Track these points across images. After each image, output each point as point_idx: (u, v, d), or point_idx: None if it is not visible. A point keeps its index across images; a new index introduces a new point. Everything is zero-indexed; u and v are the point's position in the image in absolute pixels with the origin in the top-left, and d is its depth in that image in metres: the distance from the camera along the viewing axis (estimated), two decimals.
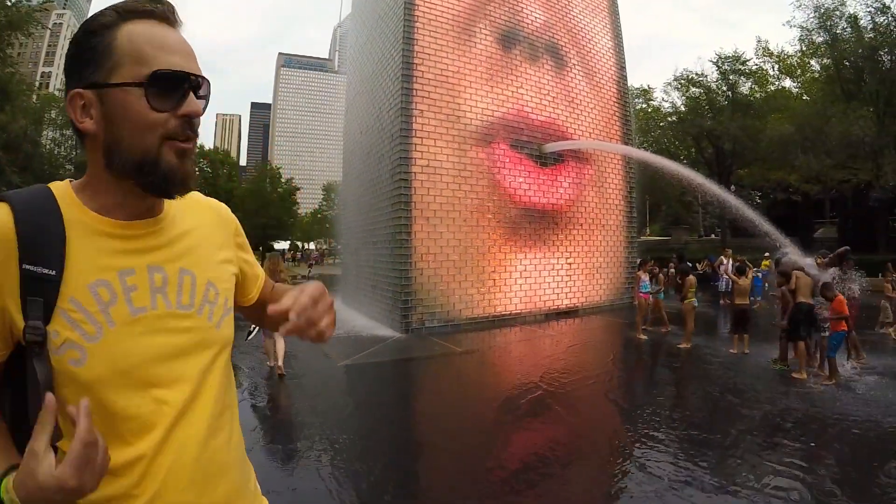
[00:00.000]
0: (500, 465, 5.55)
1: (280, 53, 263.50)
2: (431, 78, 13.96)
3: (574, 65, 17.03)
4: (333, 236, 58.27)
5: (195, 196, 1.42)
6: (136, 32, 1.13)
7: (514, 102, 15.21)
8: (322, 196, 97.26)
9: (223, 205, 1.51)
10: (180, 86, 1.15)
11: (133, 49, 1.12)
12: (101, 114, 1.13)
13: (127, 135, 1.12)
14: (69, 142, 32.34)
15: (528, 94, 15.56)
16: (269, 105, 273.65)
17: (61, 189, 1.20)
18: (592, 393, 7.98)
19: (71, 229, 1.14)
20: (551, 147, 15.52)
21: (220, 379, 1.30)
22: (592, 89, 17.53)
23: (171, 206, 1.30)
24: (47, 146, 31.44)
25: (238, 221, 1.54)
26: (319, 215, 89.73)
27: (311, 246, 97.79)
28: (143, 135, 1.12)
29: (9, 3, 15.99)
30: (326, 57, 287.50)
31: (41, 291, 1.09)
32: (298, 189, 72.52)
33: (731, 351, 10.28)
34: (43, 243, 1.10)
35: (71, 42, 1.17)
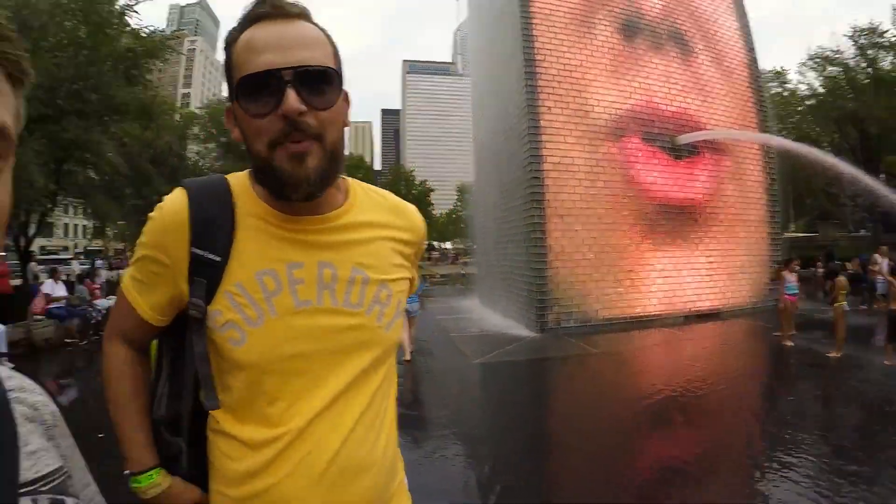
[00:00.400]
0: (632, 470, 5.41)
1: (404, 61, 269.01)
2: (555, 73, 13.71)
3: (700, 50, 16.15)
4: (468, 236, 59.08)
5: (386, 195, 1.43)
6: (246, 39, 1.13)
7: (643, 94, 14.61)
8: (455, 197, 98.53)
9: (415, 210, 1.48)
10: (272, 85, 1.09)
11: (237, 59, 1.13)
12: (238, 125, 1.17)
13: (248, 143, 1.15)
14: (212, 154, 34.75)
15: (656, 84, 14.90)
16: (399, 111, 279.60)
17: (239, 179, 1.28)
18: (731, 404, 7.48)
19: (242, 218, 1.22)
20: (685, 139, 14.80)
21: (379, 380, 1.31)
22: (722, 75, 16.56)
23: (355, 202, 1.32)
24: (191, 158, 34.13)
25: (426, 229, 1.51)
26: (454, 216, 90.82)
27: (448, 246, 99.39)
28: (255, 143, 1.13)
29: (143, 35, 17.42)
30: (449, 60, 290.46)
31: (206, 274, 1.19)
32: (432, 191, 74.05)
33: (886, 363, 9.11)
34: (212, 230, 1.20)
35: None
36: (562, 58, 13.87)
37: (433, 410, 7.49)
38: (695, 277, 15.01)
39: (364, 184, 1.41)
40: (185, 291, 1.22)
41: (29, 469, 0.72)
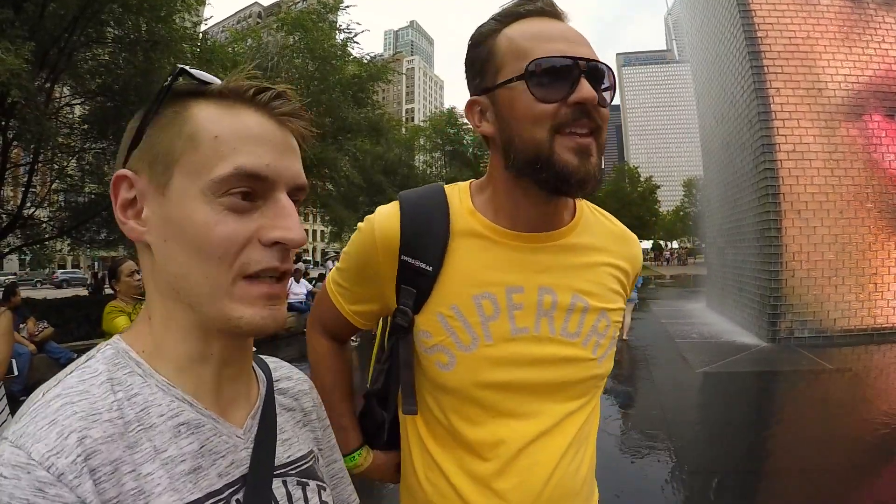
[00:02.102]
0: None
1: (618, 54, 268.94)
2: (780, 50, 12.32)
3: None
4: (696, 234, 56.90)
5: (615, 221, 1.40)
6: (515, 32, 1.13)
7: (880, 61, 12.35)
8: (683, 192, 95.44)
9: (637, 240, 1.43)
10: (567, 72, 1.06)
11: (512, 47, 1.12)
12: (494, 115, 1.16)
13: (517, 131, 1.11)
14: (438, 163, 36.88)
15: (894, 48, 12.50)
16: (618, 106, 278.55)
17: (458, 191, 1.28)
18: None
19: (458, 234, 1.20)
20: None
21: (587, 414, 1.28)
22: None
23: (580, 221, 1.27)
24: (420, 168, 36.70)
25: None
26: (681, 213, 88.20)
27: (675, 245, 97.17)
28: (532, 129, 1.08)
29: (365, 62, 19.25)
30: (665, 48, 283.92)
31: (415, 283, 1.19)
32: (658, 187, 72.11)
33: None
34: (424, 240, 1.18)
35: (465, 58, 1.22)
36: (785, 31, 12.38)
37: (646, 417, 7.28)
38: None
39: (593, 205, 1.37)
40: (392, 301, 1.23)
41: (282, 454, 0.87)
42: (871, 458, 5.70)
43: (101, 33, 10.93)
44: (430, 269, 1.17)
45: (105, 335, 4.60)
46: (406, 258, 1.18)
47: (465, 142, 36.93)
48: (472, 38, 1.20)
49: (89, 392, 0.71)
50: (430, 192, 1.27)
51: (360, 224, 1.28)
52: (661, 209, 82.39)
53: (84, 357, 0.77)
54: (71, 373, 0.74)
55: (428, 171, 37.17)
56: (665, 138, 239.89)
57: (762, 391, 9.04)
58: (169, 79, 0.76)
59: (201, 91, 0.77)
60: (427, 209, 1.22)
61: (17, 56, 7.47)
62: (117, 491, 0.66)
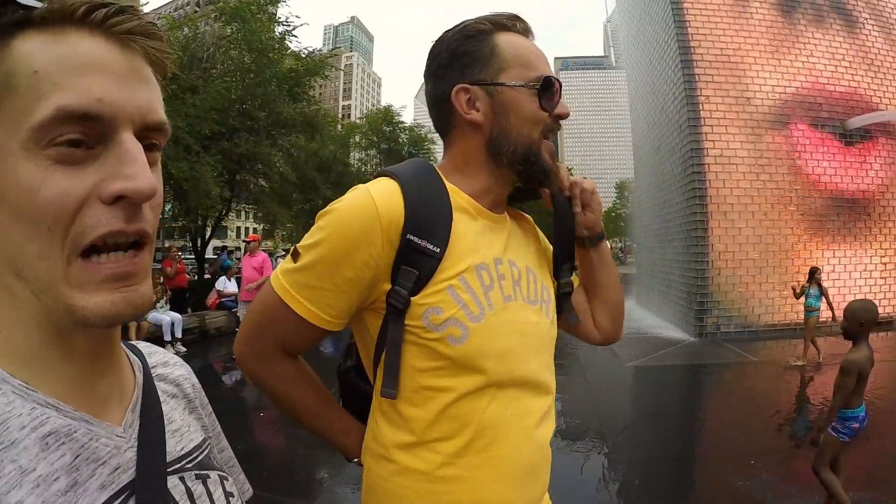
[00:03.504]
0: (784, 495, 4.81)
1: (556, 58, 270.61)
2: (712, 60, 12.85)
3: (866, 20, 13.90)
4: (627, 235, 57.89)
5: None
6: (514, 42, 1.26)
7: (807, 75, 13.04)
8: (615, 194, 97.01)
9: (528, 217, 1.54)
10: (557, 90, 1.25)
11: (517, 55, 1.24)
12: (489, 107, 1.24)
13: (516, 128, 1.23)
14: (374, 161, 36.35)
15: (821, 62, 13.19)
16: None
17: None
18: None
19: (455, 209, 1.20)
20: (856, 122, 12.93)
21: (553, 377, 1.34)
22: (894, 46, 14.15)
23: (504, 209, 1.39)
24: (355, 165, 35.60)
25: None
26: (613, 214, 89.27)
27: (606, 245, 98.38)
28: (531, 129, 1.24)
29: (303, 56, 18.82)
30: (602, 54, 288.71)
31: (418, 264, 1.13)
32: None
33: None
34: (429, 220, 1.15)
35: (443, 43, 1.28)
36: (717, 42, 12.94)
37: (578, 412, 7.25)
38: (867, 281, 13.11)
39: None
40: (383, 284, 1.15)
41: (174, 447, 0.73)
42: (795, 442, 5.98)
43: None
44: (438, 250, 1.13)
45: None
46: (413, 238, 1.11)
47: (400, 140, 36.51)
48: (464, 30, 1.26)
49: None
50: (424, 168, 1.25)
51: (339, 204, 1.16)
52: None
53: None
54: None
55: (363, 169, 36.64)
56: (599, 141, 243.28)
57: (691, 383, 9.34)
58: None
59: (27, 20, 0.57)
60: (427, 185, 1.19)
61: None
62: None
